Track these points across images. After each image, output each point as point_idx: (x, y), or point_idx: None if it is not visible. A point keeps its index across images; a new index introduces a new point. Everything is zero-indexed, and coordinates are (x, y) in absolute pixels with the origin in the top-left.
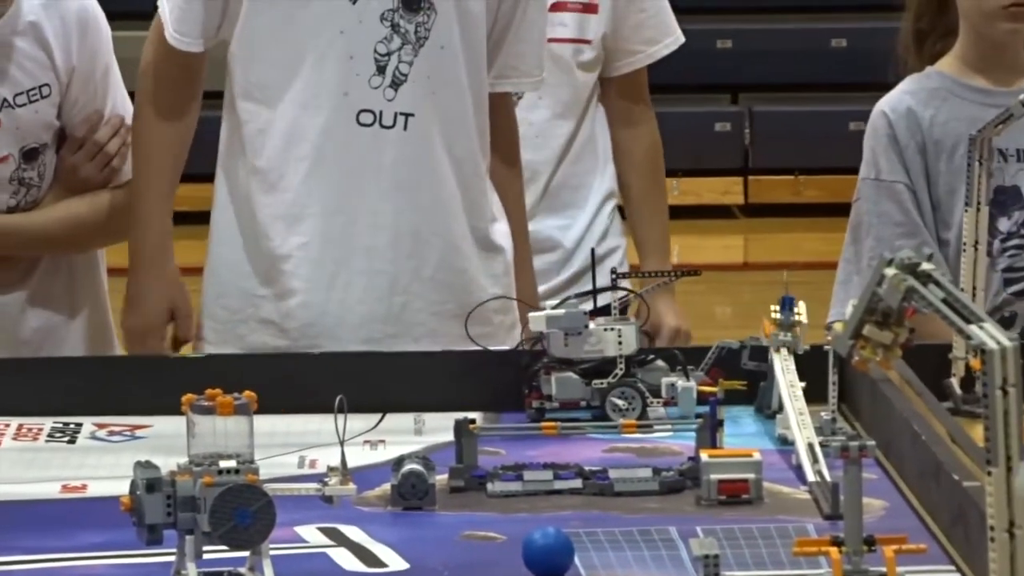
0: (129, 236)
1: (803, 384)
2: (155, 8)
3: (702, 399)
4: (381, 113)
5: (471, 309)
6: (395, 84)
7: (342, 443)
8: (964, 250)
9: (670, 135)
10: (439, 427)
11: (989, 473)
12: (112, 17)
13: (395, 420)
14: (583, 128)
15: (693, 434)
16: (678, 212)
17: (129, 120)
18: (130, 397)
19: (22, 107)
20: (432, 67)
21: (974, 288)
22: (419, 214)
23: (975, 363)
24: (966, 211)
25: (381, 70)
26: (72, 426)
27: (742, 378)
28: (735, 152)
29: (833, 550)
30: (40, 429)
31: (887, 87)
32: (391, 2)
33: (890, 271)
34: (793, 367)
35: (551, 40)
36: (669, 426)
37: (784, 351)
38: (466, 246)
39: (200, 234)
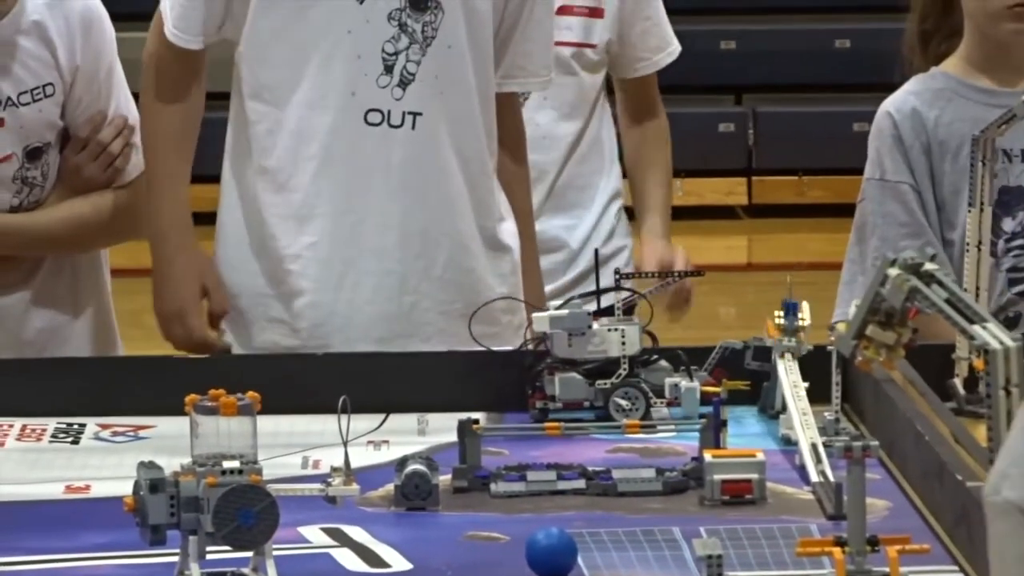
0: (148, 222)
1: (806, 384)
2: (157, 9)
3: (705, 399)
4: (389, 112)
5: (480, 306)
6: (403, 83)
7: (345, 443)
8: (968, 250)
9: (674, 136)
10: (443, 427)
11: None
12: (116, 18)
13: (399, 420)
14: (589, 129)
15: (696, 434)
16: (682, 213)
17: (132, 120)
18: (134, 397)
19: (26, 106)
20: (440, 66)
21: (977, 288)
22: (427, 213)
23: (978, 363)
24: (970, 211)
25: (389, 69)
26: (76, 427)
27: (745, 378)
28: (739, 153)
29: (836, 550)
30: (44, 430)
31: (891, 88)
32: (398, 1)
33: (893, 271)
34: (796, 368)
35: (557, 43)
36: (672, 426)
37: (788, 356)
38: (474, 245)
39: (206, 235)
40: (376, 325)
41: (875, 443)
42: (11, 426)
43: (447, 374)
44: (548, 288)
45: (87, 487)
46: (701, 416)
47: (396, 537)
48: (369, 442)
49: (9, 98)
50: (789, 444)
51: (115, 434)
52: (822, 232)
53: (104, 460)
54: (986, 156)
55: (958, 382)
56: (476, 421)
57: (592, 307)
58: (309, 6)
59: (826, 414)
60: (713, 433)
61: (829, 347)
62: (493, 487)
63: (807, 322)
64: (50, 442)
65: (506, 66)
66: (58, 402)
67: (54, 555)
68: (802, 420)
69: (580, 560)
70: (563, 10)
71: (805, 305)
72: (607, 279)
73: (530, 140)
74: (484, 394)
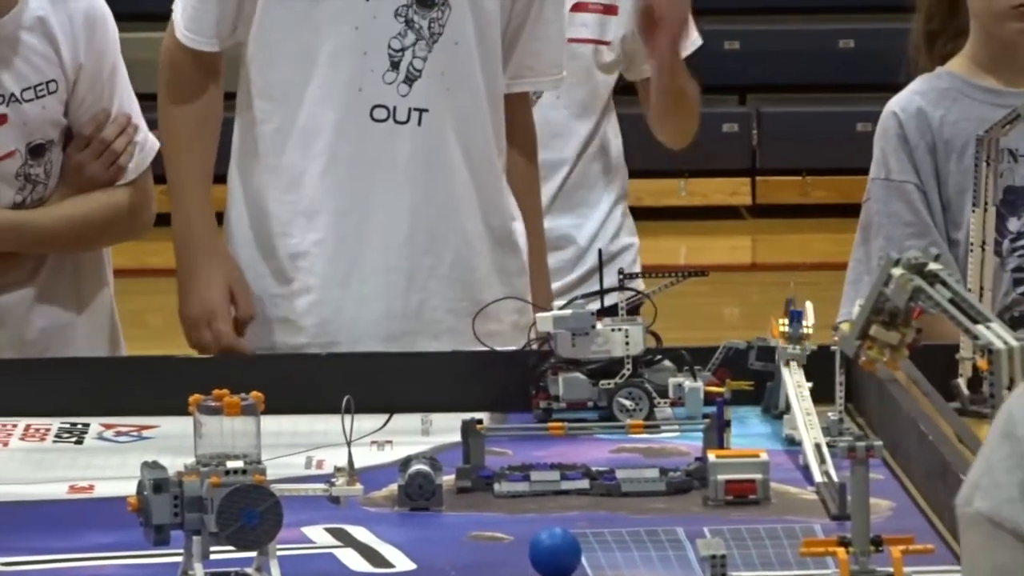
0: (173, 226)
1: (810, 384)
2: (160, 10)
3: (709, 399)
4: (395, 109)
5: (484, 306)
6: (409, 80)
7: (349, 444)
8: (972, 250)
9: None
10: (446, 427)
11: None
12: (120, 18)
13: (402, 420)
14: (599, 129)
15: (700, 434)
16: (685, 213)
17: (135, 119)
18: (137, 397)
19: (29, 102)
20: (446, 63)
21: (981, 288)
22: (434, 210)
23: (982, 363)
24: (974, 211)
25: (395, 66)
26: (79, 427)
27: (749, 378)
28: (743, 153)
29: (840, 550)
30: (47, 430)
31: (895, 88)
32: None
33: (897, 271)
34: (800, 369)
35: (571, 40)
36: (676, 426)
37: (793, 364)
38: (481, 244)
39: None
40: (384, 322)
41: (879, 443)
42: (15, 426)
43: (451, 374)
44: (556, 285)
45: (91, 487)
46: (705, 416)
47: (400, 537)
48: (373, 442)
49: (12, 94)
50: (793, 444)
51: (119, 434)
52: (826, 232)
53: (108, 460)
54: (990, 156)
55: (962, 382)
56: (480, 421)
57: (596, 307)
58: (317, 3)
59: (830, 414)
60: (717, 433)
61: (833, 347)
62: (497, 487)
63: (811, 331)
64: (54, 442)
65: (515, 65)
66: (62, 402)
67: (58, 555)
68: (806, 420)
69: (584, 560)
70: (578, 7)
71: (809, 306)
72: (611, 278)
73: (542, 138)
74: (488, 394)
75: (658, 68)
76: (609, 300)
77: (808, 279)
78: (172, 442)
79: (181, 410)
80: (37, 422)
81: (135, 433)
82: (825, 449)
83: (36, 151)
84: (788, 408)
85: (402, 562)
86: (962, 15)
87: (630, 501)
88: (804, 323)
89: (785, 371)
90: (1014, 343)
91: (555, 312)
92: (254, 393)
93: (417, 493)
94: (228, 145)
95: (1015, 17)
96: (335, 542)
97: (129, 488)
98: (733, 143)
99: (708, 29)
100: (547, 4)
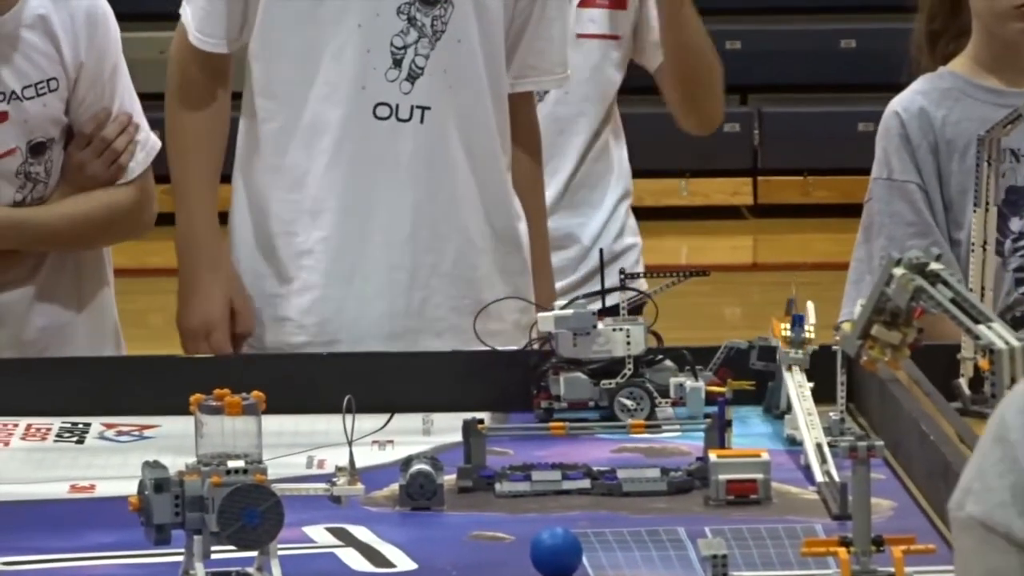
0: (176, 233)
1: (811, 384)
2: (162, 10)
3: (710, 399)
4: (397, 106)
5: (485, 306)
6: (411, 77)
7: (350, 443)
8: (973, 250)
9: (679, 136)
10: (447, 427)
11: None
12: (121, 18)
13: (403, 420)
14: (605, 128)
15: (701, 434)
16: (687, 213)
17: (136, 118)
18: (138, 397)
19: (30, 100)
20: (449, 61)
21: (983, 288)
22: (436, 208)
23: (984, 363)
24: (975, 211)
25: (397, 63)
26: (80, 426)
27: (750, 378)
28: (744, 153)
29: (841, 550)
30: (48, 429)
31: (896, 88)
32: None
33: (898, 271)
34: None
35: (580, 36)
36: (677, 426)
37: (796, 369)
38: (484, 242)
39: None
40: (387, 320)
41: (880, 443)
42: (16, 425)
43: (452, 374)
44: (559, 284)
45: (92, 487)
46: (706, 416)
47: (401, 537)
48: (374, 442)
49: (13, 91)
50: (794, 444)
51: (120, 434)
52: (827, 232)
53: (109, 460)
54: (991, 156)
55: (963, 382)
56: (481, 421)
57: (597, 306)
58: (320, 1)
59: (831, 414)
60: (718, 433)
61: (834, 347)
62: (498, 487)
63: (813, 335)
64: (55, 442)
65: (519, 65)
66: (63, 402)
67: (59, 555)
68: (807, 420)
69: (585, 560)
70: (586, 2)
71: (810, 306)
72: (614, 278)
73: (549, 136)
74: (489, 394)
75: (667, 19)
76: (612, 300)
77: (809, 279)
78: (173, 442)
79: (182, 410)
80: (38, 422)
81: (136, 433)
82: (826, 449)
83: (37, 149)
84: (789, 408)
85: (403, 562)
86: (964, 15)
87: (631, 501)
88: (806, 327)
89: (789, 381)
90: (1015, 343)
91: (556, 312)
92: (255, 393)
93: (418, 493)
94: (231, 146)
95: (1017, 17)
96: (336, 542)
97: (130, 488)
98: (734, 143)
99: (709, 29)
100: (550, 3)
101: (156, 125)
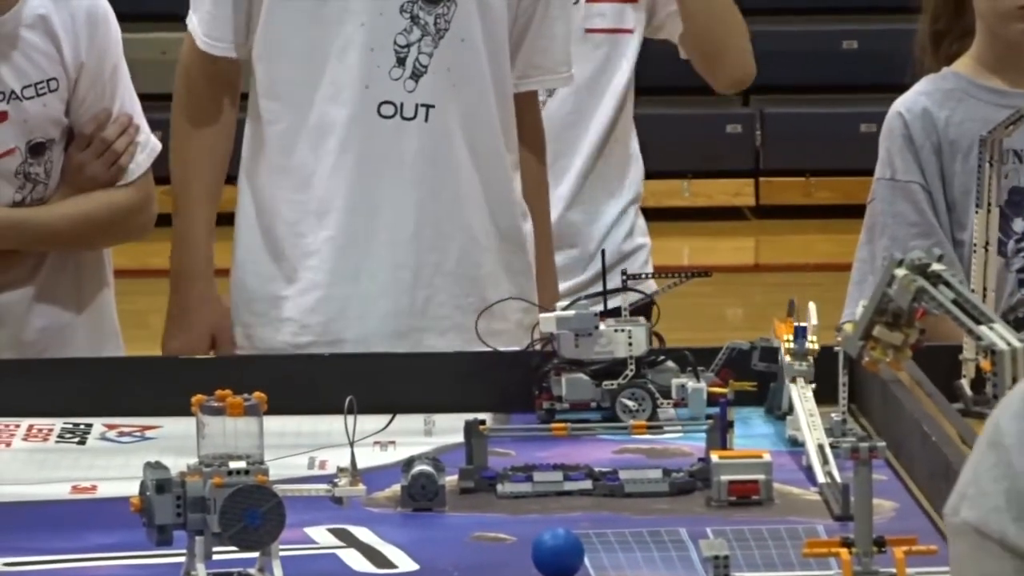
0: (172, 252)
1: (813, 385)
2: (163, 10)
3: (712, 400)
4: (402, 105)
5: (488, 307)
6: (415, 76)
7: (352, 444)
8: (975, 251)
9: (681, 136)
10: (449, 428)
11: None
12: (122, 19)
13: (405, 421)
14: (617, 125)
15: (703, 435)
16: (689, 214)
17: (137, 119)
18: (140, 398)
19: (30, 99)
20: (453, 59)
21: (985, 289)
22: (440, 207)
23: (985, 364)
24: (977, 212)
25: (401, 62)
26: (82, 427)
27: (752, 379)
28: (746, 154)
29: (843, 551)
30: (50, 430)
31: (898, 89)
32: None
33: (900, 272)
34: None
35: (588, 31)
36: (679, 427)
37: (801, 381)
38: (488, 241)
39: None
40: (391, 319)
41: (882, 444)
42: (17, 426)
43: (454, 374)
44: (566, 284)
45: (93, 487)
46: (708, 417)
47: (402, 538)
48: (376, 443)
49: (13, 91)
50: (796, 445)
51: (121, 434)
52: (829, 233)
53: (110, 460)
54: (993, 157)
55: (965, 383)
56: (483, 422)
57: (599, 307)
58: (324, 1)
59: (833, 415)
60: (720, 434)
61: (836, 348)
62: (499, 488)
63: (817, 345)
64: (56, 442)
65: (523, 64)
66: (64, 402)
67: (60, 555)
68: (809, 421)
69: (587, 561)
70: None
71: (812, 307)
72: (616, 279)
73: (559, 133)
74: (491, 395)
75: None
76: (615, 302)
77: (811, 280)
78: (175, 442)
79: (184, 410)
80: (40, 422)
81: (138, 433)
82: (828, 450)
83: (36, 149)
84: (791, 409)
85: (405, 563)
86: (968, 16)
87: (633, 502)
88: (809, 338)
89: (794, 393)
90: (1017, 344)
91: (558, 313)
92: (257, 393)
93: (420, 494)
94: (236, 148)
95: (1020, 18)
96: (338, 543)
97: (132, 488)
98: (737, 144)
99: None
100: (553, 1)
101: (157, 126)
